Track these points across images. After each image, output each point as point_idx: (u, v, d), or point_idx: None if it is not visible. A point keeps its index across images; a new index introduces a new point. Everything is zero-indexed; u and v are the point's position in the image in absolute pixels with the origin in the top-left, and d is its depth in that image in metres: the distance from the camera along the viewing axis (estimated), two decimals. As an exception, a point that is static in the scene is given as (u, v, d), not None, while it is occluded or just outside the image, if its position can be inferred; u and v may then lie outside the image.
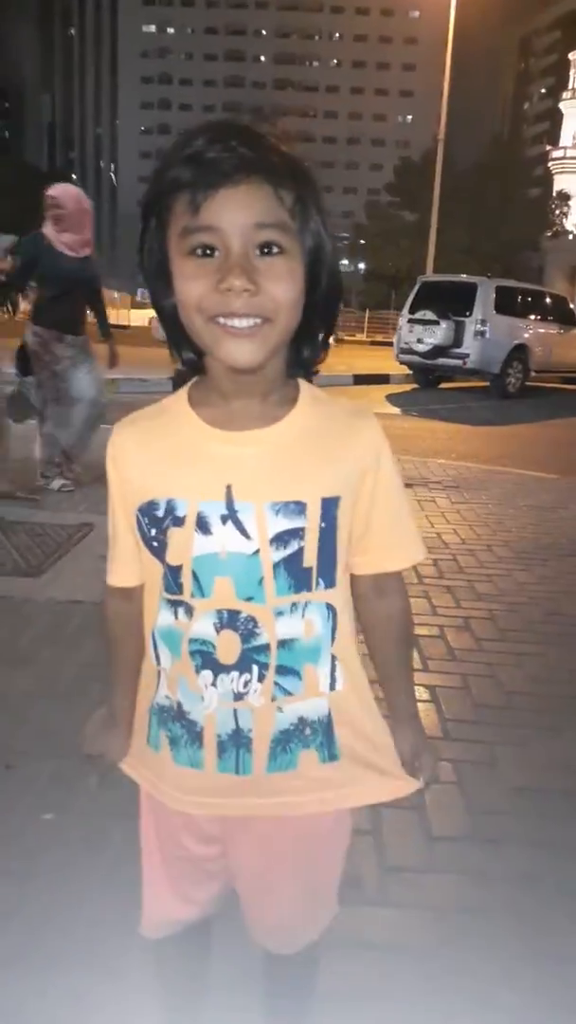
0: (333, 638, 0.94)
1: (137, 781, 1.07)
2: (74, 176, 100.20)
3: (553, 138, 69.52)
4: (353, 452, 0.92)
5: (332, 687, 0.95)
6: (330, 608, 0.93)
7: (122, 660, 1.04)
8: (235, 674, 0.91)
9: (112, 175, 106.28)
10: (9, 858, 1.79)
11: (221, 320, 0.80)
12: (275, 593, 0.89)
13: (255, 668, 0.91)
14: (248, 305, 0.78)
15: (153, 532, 0.92)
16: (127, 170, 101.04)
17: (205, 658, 0.92)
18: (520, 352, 12.98)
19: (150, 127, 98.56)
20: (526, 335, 13.15)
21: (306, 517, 0.88)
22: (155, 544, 0.92)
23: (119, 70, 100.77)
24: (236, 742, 0.93)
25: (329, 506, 0.89)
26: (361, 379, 13.53)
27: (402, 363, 13.73)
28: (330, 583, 0.92)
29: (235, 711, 0.93)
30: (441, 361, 12.90)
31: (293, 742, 0.94)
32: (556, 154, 65.56)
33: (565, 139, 65.81)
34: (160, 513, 0.90)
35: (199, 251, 0.79)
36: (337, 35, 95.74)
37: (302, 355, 0.90)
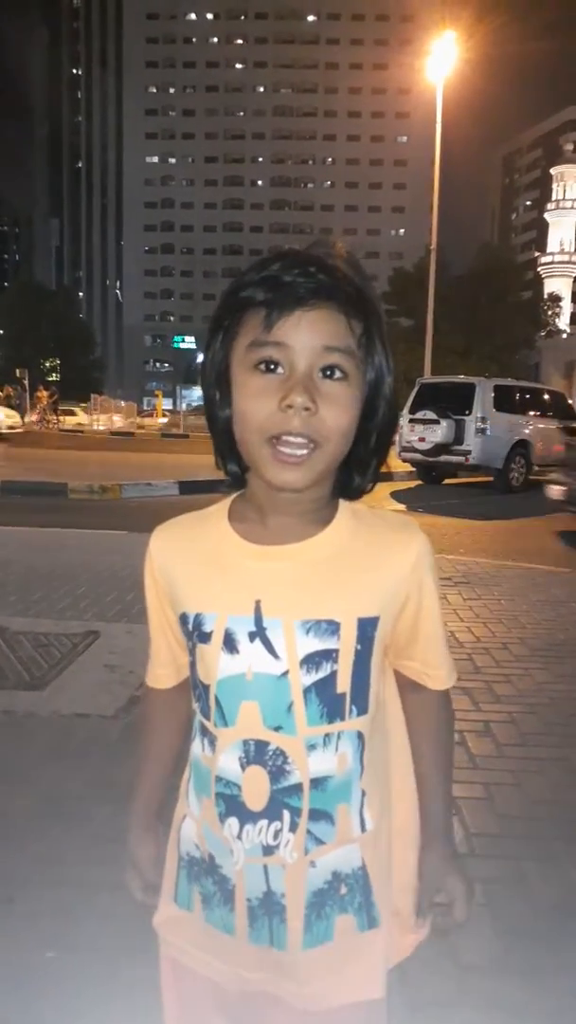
0: (361, 769, 0.87)
1: (161, 941, 0.96)
2: (81, 294, 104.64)
3: (541, 245, 72.83)
4: (395, 569, 0.87)
5: (363, 827, 0.87)
6: (360, 736, 0.86)
7: (155, 751, 1.02)
8: (263, 823, 0.84)
9: (117, 292, 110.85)
10: (4, 1004, 1.65)
11: (276, 443, 0.79)
12: (306, 722, 0.83)
13: (286, 815, 0.84)
14: (305, 424, 0.77)
15: (189, 645, 0.89)
16: (131, 287, 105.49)
17: (230, 803, 0.85)
18: (522, 447, 13.14)
19: (154, 247, 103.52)
20: (527, 431, 13.33)
21: (340, 638, 0.83)
22: (190, 658, 0.90)
23: (124, 196, 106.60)
24: (268, 909, 0.85)
25: (366, 627, 0.84)
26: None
27: (404, 461, 13.91)
28: (363, 710, 0.86)
29: (265, 869, 0.84)
30: (444, 458, 13.06)
31: (328, 905, 0.86)
32: (544, 259, 68.68)
33: (552, 245, 68.91)
34: (190, 627, 0.87)
35: (265, 366, 0.78)
36: (330, 159, 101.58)
37: (352, 482, 0.87)
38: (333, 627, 0.83)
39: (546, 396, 15.05)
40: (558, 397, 15.52)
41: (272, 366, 0.78)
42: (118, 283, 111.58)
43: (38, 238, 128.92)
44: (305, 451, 0.78)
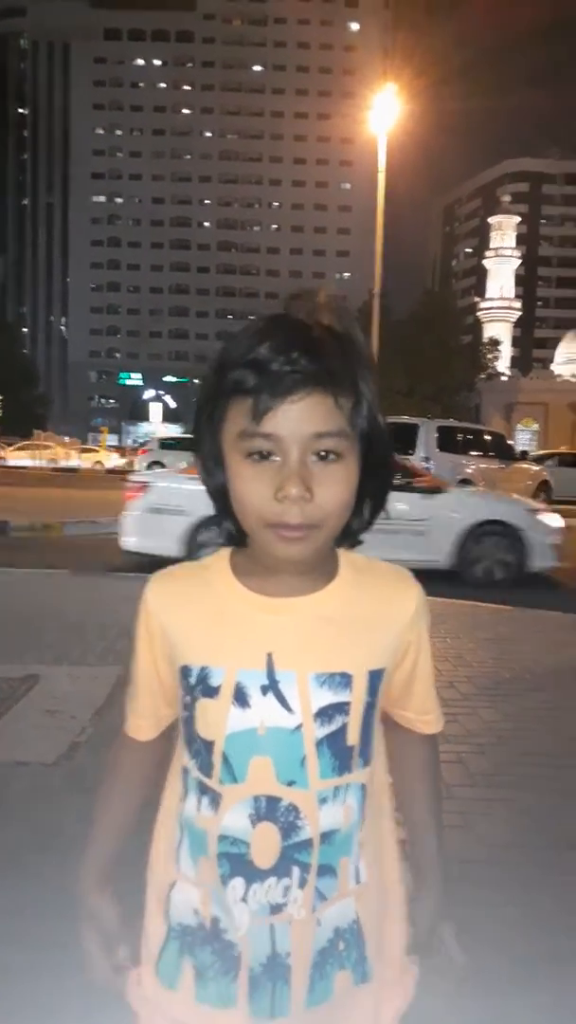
0: (362, 821, 0.86)
1: (137, 1012, 0.90)
2: (25, 329, 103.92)
3: (480, 291, 75.20)
4: (399, 621, 0.89)
5: (357, 879, 0.86)
6: (363, 788, 0.86)
7: (119, 803, 0.96)
8: (272, 880, 0.81)
9: (63, 328, 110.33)
10: None
11: (276, 528, 0.78)
12: (319, 776, 0.82)
13: (296, 871, 0.81)
14: (302, 513, 0.77)
15: (187, 700, 0.86)
16: (77, 323, 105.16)
17: (235, 863, 0.82)
18: (464, 487, 13.40)
19: (100, 284, 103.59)
20: (469, 470, 13.61)
21: (352, 691, 0.83)
22: (186, 715, 0.86)
23: (70, 234, 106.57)
24: (272, 974, 0.81)
25: (375, 679, 0.85)
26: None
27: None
28: (367, 761, 0.86)
29: (272, 928, 0.81)
30: (389, 497, 13.23)
31: (329, 963, 0.84)
32: (484, 305, 70.87)
33: (492, 291, 71.14)
34: (192, 681, 0.84)
35: (257, 456, 0.77)
36: (276, 203, 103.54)
37: (350, 528, 0.86)
38: (346, 680, 0.83)
39: (487, 437, 15.46)
40: (498, 438, 15.95)
41: (264, 455, 0.77)
42: (63, 319, 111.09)
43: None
44: (306, 532, 0.78)
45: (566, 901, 2.23)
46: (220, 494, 0.84)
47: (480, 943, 2.02)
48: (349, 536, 0.87)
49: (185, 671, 0.85)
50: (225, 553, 0.89)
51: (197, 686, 0.83)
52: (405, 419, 14.71)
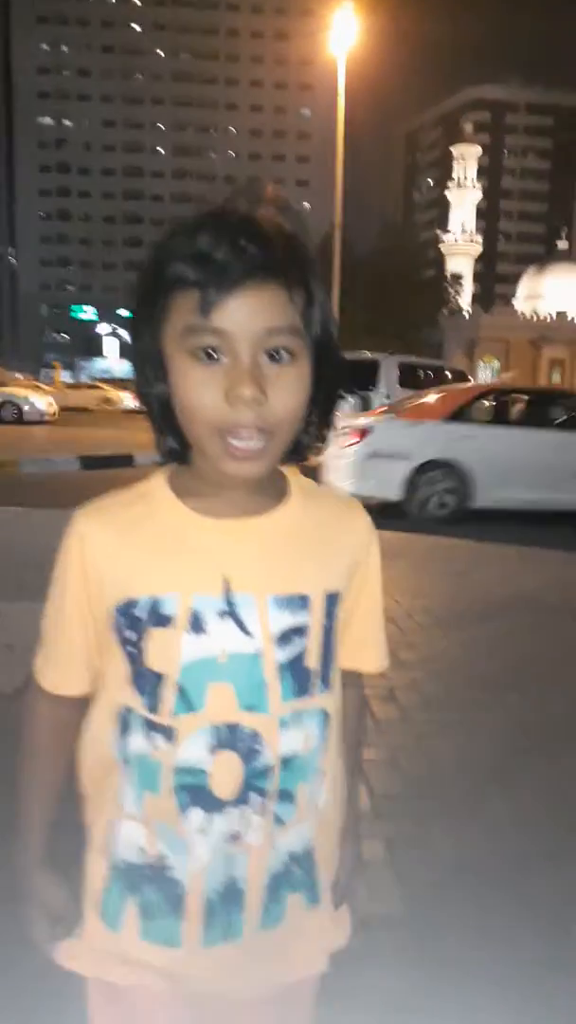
0: (324, 749, 0.86)
1: (83, 973, 0.87)
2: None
3: (443, 224, 74.13)
4: (348, 545, 0.88)
5: (317, 806, 0.87)
6: (325, 715, 0.86)
7: (46, 779, 0.91)
8: (232, 810, 0.80)
9: (12, 259, 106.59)
10: None
11: (227, 435, 0.74)
12: (280, 699, 0.81)
13: (255, 799, 0.81)
14: (256, 417, 0.73)
15: (131, 636, 0.80)
16: (27, 254, 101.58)
17: (195, 795, 0.80)
18: None
19: (50, 212, 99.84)
20: None
21: (310, 613, 0.82)
22: (132, 650, 0.81)
23: (16, 159, 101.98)
24: (227, 901, 0.82)
25: (331, 602, 0.84)
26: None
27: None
28: (328, 686, 0.85)
29: (230, 857, 0.81)
30: (348, 433, 13.22)
31: (283, 887, 0.85)
32: (447, 238, 69.92)
33: (454, 225, 70.22)
34: (141, 614, 0.79)
35: (205, 354, 0.72)
36: (232, 129, 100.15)
37: (300, 443, 0.82)
38: (304, 601, 0.82)
39: (448, 374, 15.42)
40: (459, 375, 15.94)
41: (213, 354, 0.72)
42: (11, 250, 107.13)
43: None
44: (259, 443, 0.74)
45: (518, 815, 2.34)
46: (160, 404, 0.78)
47: (435, 858, 2.13)
48: (297, 452, 0.83)
49: (129, 604, 0.79)
50: (162, 475, 0.84)
51: (147, 619, 0.79)
52: (366, 355, 14.62)
